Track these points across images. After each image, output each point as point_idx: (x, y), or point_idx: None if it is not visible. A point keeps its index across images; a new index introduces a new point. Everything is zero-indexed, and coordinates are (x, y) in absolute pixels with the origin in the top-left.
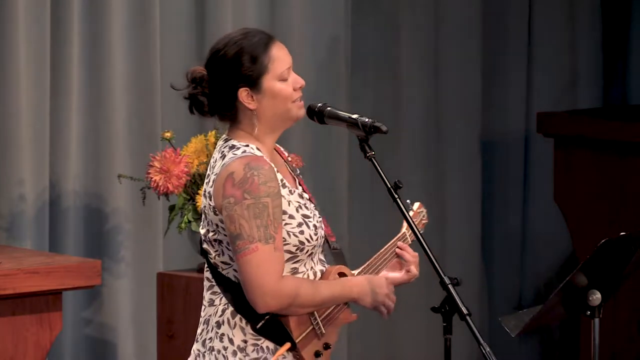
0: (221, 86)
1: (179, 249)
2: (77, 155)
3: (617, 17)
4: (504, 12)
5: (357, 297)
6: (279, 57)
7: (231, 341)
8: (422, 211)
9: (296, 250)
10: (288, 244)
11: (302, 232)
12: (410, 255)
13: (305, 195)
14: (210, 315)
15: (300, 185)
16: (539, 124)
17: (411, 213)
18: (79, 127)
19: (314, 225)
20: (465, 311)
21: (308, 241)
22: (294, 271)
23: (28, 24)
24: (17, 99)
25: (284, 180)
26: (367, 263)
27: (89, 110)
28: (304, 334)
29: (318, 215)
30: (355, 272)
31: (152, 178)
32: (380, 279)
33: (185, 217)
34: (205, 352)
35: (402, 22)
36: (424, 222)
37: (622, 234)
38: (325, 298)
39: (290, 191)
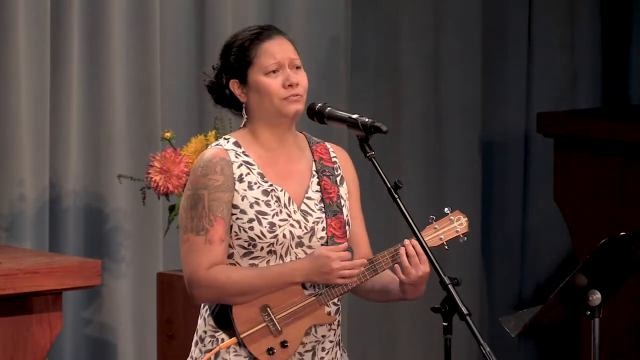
0: (219, 78)
1: (179, 249)
2: (77, 155)
3: (617, 17)
4: (504, 11)
5: (303, 279)
6: (268, 51)
7: (196, 332)
8: (457, 218)
9: (248, 245)
10: (240, 238)
11: (252, 228)
12: (411, 255)
13: (281, 193)
14: None
15: (319, 184)
16: (539, 124)
17: (440, 220)
18: (79, 127)
19: (270, 223)
20: (465, 311)
21: (259, 237)
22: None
23: (28, 24)
24: (17, 99)
25: (248, 176)
26: (370, 259)
27: (89, 110)
28: (252, 330)
29: (318, 215)
30: None
31: (152, 178)
32: (323, 255)
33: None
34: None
35: (402, 22)
36: (458, 230)
37: (622, 234)
38: (258, 285)
39: (249, 187)
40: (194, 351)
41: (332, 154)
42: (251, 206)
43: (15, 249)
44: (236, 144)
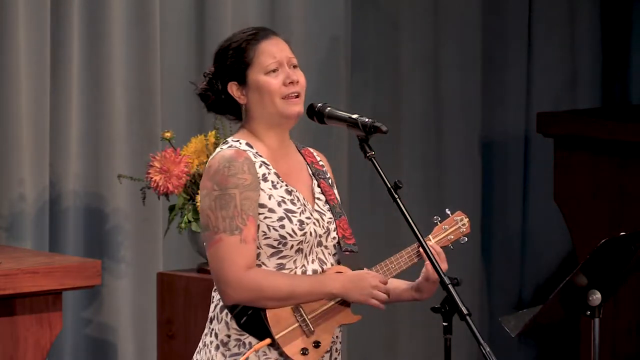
0: (216, 82)
1: (179, 249)
2: (77, 155)
3: (617, 17)
4: (504, 12)
5: (338, 292)
6: (267, 50)
7: (216, 335)
8: (461, 219)
9: (278, 244)
10: (269, 237)
11: (282, 227)
12: (438, 252)
13: (298, 193)
14: (210, 312)
15: (319, 186)
16: (539, 124)
17: (445, 220)
18: (79, 127)
19: (300, 221)
20: (465, 311)
21: (290, 236)
22: (280, 267)
23: (28, 24)
24: (17, 99)
25: (270, 175)
26: (381, 264)
27: (89, 110)
28: (286, 331)
29: (329, 216)
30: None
31: (152, 178)
32: (366, 273)
33: (185, 217)
34: (202, 348)
35: (402, 22)
36: (462, 230)
37: (622, 234)
38: (297, 292)
39: (274, 186)
40: (215, 355)
41: (318, 158)
42: (279, 204)
43: (15, 249)
44: (248, 145)
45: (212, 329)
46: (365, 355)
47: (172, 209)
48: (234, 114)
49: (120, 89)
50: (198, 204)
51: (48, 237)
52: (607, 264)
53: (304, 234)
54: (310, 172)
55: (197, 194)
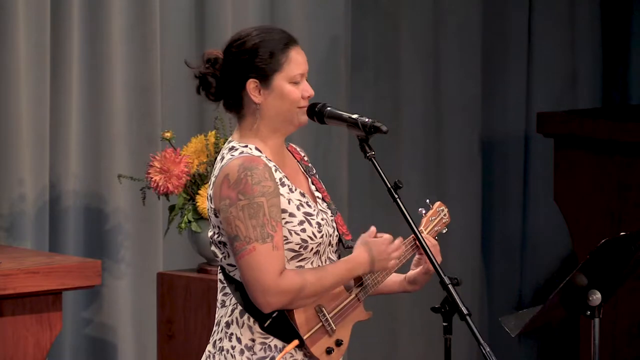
0: (232, 72)
1: (179, 249)
2: (77, 155)
3: (617, 17)
4: (504, 12)
5: (364, 271)
6: (296, 60)
7: (239, 340)
8: (442, 209)
9: (299, 248)
10: (290, 242)
11: (304, 230)
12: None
13: (307, 196)
14: (221, 317)
15: (313, 184)
16: (539, 124)
17: (430, 212)
18: (79, 127)
19: (317, 223)
20: (465, 311)
21: (311, 239)
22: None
23: (28, 24)
24: (17, 98)
25: (284, 179)
26: None
27: (89, 110)
28: (312, 331)
29: (330, 214)
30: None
31: (152, 178)
32: (378, 244)
33: (185, 217)
34: (215, 352)
35: (402, 22)
36: (444, 221)
37: (622, 234)
38: (332, 283)
39: (290, 190)
40: None
41: (302, 154)
42: (298, 208)
43: (15, 249)
44: (258, 149)
45: (232, 334)
46: (365, 355)
47: (172, 209)
48: (229, 104)
49: (120, 89)
50: (198, 204)
51: (48, 237)
52: (607, 264)
53: (322, 236)
54: (302, 169)
55: (198, 194)
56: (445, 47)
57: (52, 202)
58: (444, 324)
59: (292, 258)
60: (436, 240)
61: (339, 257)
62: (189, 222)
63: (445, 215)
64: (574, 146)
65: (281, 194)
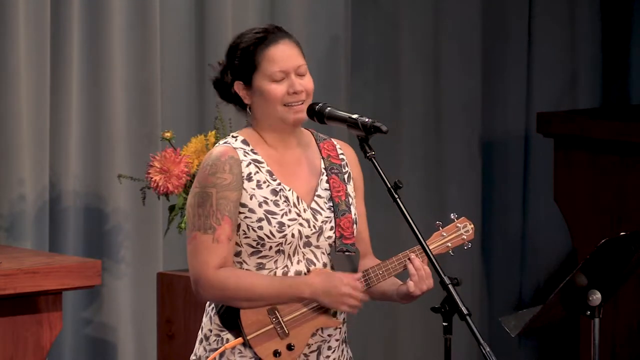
0: (226, 76)
1: (179, 249)
2: (77, 155)
3: (617, 17)
4: (504, 12)
5: (310, 296)
6: (275, 57)
7: (201, 329)
8: (464, 225)
9: (257, 245)
10: (248, 237)
11: (261, 228)
12: (416, 267)
13: (290, 193)
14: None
15: (328, 182)
16: (539, 124)
17: (448, 227)
18: (79, 127)
19: (279, 223)
20: (465, 311)
21: (268, 237)
22: (260, 266)
23: (28, 24)
24: (17, 99)
25: (257, 175)
26: (379, 264)
27: (88, 110)
28: (259, 332)
29: (326, 214)
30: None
31: (152, 178)
32: (338, 278)
33: (185, 217)
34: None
35: (402, 22)
36: (464, 237)
37: (622, 234)
38: (266, 294)
39: (258, 185)
40: (198, 349)
41: (339, 151)
42: (260, 205)
43: (15, 249)
44: (244, 142)
45: (203, 323)
46: (365, 355)
47: (172, 209)
48: (242, 105)
49: (120, 89)
50: None
51: (48, 237)
52: (607, 264)
53: (284, 236)
54: (323, 166)
55: None
56: (445, 47)
57: (52, 202)
58: (444, 324)
59: (252, 254)
60: (452, 254)
61: (331, 262)
62: None
63: (467, 231)
64: (574, 146)
65: (244, 189)
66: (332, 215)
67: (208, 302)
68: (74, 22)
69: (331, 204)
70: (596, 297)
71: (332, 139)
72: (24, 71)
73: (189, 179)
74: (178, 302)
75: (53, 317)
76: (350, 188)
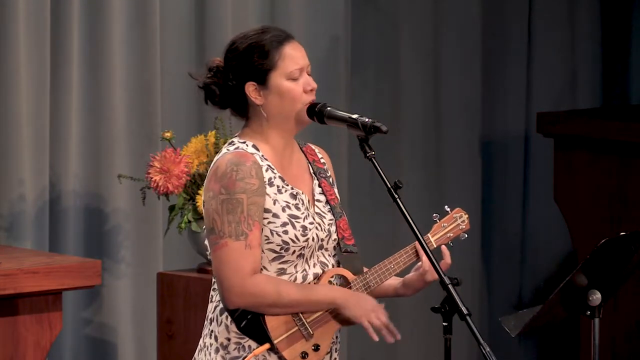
0: (231, 78)
1: (179, 249)
2: (77, 155)
3: (617, 17)
4: (504, 12)
5: (340, 300)
6: (291, 55)
7: (216, 338)
8: (460, 216)
9: (280, 249)
10: (272, 242)
11: (286, 232)
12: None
13: (303, 196)
14: (209, 312)
15: (320, 186)
16: (539, 124)
17: (444, 218)
18: (79, 127)
19: (303, 227)
20: (465, 311)
21: (293, 241)
22: (281, 271)
23: (28, 24)
24: (17, 98)
25: (276, 179)
26: (380, 265)
27: (88, 110)
28: (285, 335)
29: (330, 217)
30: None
31: (152, 178)
32: (368, 296)
33: (185, 217)
34: (202, 348)
35: (402, 22)
36: (462, 227)
37: (622, 234)
38: (299, 301)
39: (279, 190)
40: (215, 358)
41: (319, 155)
42: (283, 210)
43: (15, 249)
44: (255, 147)
45: (212, 331)
46: (365, 355)
47: (172, 209)
48: (236, 110)
49: (120, 89)
50: (198, 204)
51: (48, 237)
52: (607, 264)
53: (307, 240)
54: (312, 170)
55: (198, 194)
56: (445, 47)
57: (52, 202)
58: (444, 324)
59: (274, 259)
60: (451, 245)
61: (338, 262)
62: (189, 222)
63: (463, 222)
64: (574, 146)
65: (267, 194)
66: (332, 218)
67: (220, 310)
68: (74, 22)
69: (329, 207)
70: (596, 297)
71: (309, 144)
72: (24, 71)
73: (188, 179)
74: (178, 302)
75: (53, 317)
76: (336, 192)
